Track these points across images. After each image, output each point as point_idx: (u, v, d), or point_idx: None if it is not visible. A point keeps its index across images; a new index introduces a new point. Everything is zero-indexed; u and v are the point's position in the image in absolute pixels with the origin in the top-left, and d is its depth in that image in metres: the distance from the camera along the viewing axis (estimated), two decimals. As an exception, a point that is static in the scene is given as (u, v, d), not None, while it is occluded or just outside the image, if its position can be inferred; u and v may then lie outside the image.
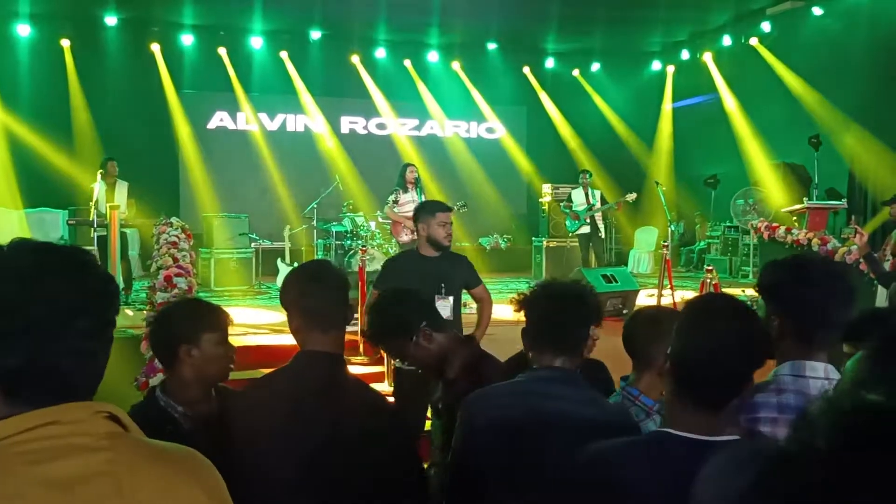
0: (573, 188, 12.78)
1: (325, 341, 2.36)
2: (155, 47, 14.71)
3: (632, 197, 12.26)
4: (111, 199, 9.89)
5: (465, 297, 5.11)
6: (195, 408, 2.58)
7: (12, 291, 1.25)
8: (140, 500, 1.24)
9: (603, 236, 12.69)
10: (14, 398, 1.24)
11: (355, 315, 7.32)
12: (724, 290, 10.51)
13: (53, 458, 1.21)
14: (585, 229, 12.25)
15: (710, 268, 8.00)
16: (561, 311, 2.46)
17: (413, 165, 10.64)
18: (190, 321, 2.65)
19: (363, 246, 8.95)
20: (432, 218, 4.79)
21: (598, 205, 12.27)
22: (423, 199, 10.99)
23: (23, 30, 13.87)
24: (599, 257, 12.46)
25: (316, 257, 12.50)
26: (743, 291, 10.92)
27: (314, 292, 2.39)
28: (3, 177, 13.00)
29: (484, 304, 4.94)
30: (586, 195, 12.34)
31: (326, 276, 2.46)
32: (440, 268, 4.76)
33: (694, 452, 1.63)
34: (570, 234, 12.76)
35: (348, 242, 11.91)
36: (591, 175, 12.75)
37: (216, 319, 2.69)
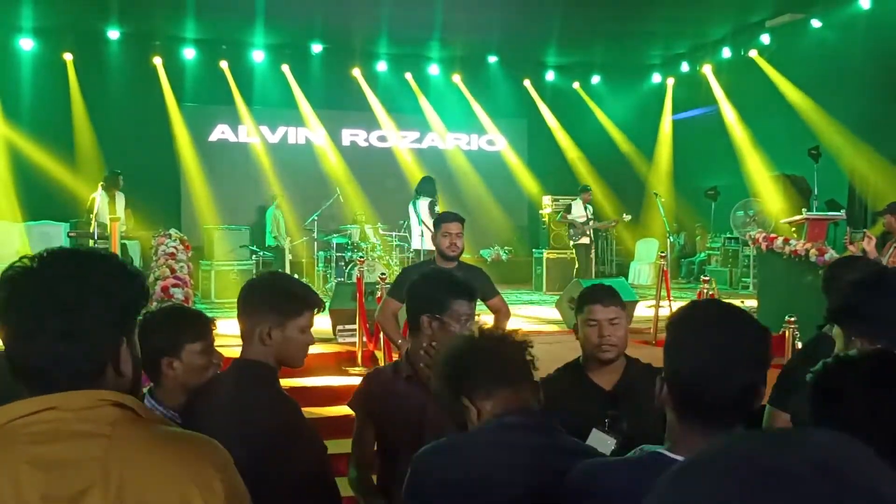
0: (572, 200, 13.10)
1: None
2: (157, 61, 14.79)
3: (627, 218, 13.13)
4: (113, 212, 9.95)
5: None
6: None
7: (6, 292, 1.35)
8: (124, 487, 1.28)
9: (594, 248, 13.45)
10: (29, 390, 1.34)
11: (352, 326, 7.33)
12: (724, 301, 10.53)
13: (50, 441, 1.29)
14: (585, 240, 12.58)
15: (707, 278, 8.00)
16: None
17: None
18: (170, 332, 2.58)
19: (362, 257, 8.96)
20: (438, 229, 4.87)
21: (594, 221, 12.87)
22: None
23: (26, 44, 13.96)
24: (588, 269, 12.93)
25: (317, 269, 12.54)
26: (742, 302, 10.94)
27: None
28: (4, 190, 13.04)
29: (500, 315, 4.95)
30: (585, 208, 12.76)
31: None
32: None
33: None
34: (572, 245, 12.90)
35: (349, 254, 11.94)
36: (590, 191, 13.34)
37: (199, 328, 2.64)
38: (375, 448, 2.98)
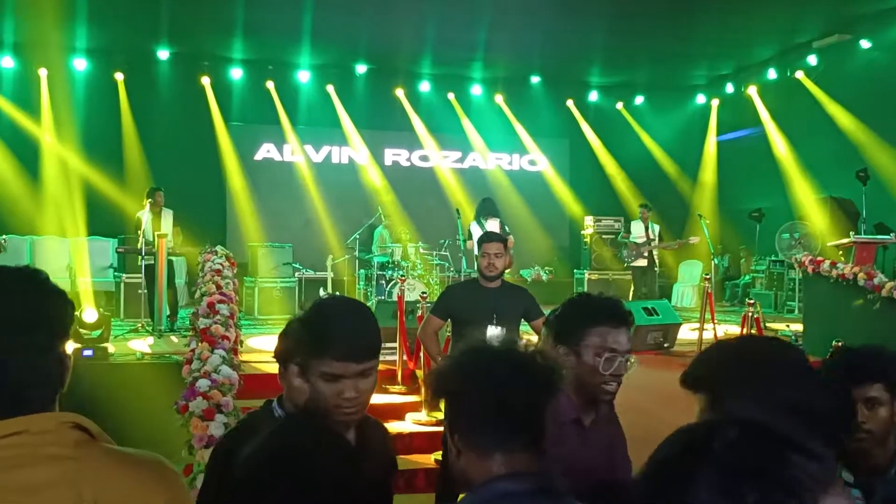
0: (632, 221, 12.78)
1: None
2: (205, 80, 15.10)
3: (695, 240, 12.30)
4: (158, 228, 10.12)
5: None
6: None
7: None
8: None
9: (657, 270, 12.60)
10: None
11: (392, 345, 7.36)
12: (769, 324, 10.37)
13: (21, 466, 1.28)
14: (642, 262, 12.23)
15: (752, 301, 7.90)
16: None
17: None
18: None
19: (402, 276, 9.01)
20: (479, 248, 4.92)
21: (657, 241, 12.26)
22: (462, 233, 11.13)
23: (79, 64, 14.35)
24: (651, 292, 12.37)
25: (358, 287, 12.62)
26: (787, 326, 10.77)
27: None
28: (54, 206, 13.34)
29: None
30: (646, 228, 12.34)
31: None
32: (495, 298, 4.81)
33: None
34: (625, 266, 12.73)
35: (389, 272, 12.00)
36: (650, 208, 12.75)
37: None
38: None
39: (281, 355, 2.52)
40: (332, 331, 1.99)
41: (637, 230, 12.44)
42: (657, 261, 12.40)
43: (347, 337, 1.97)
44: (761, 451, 1.03)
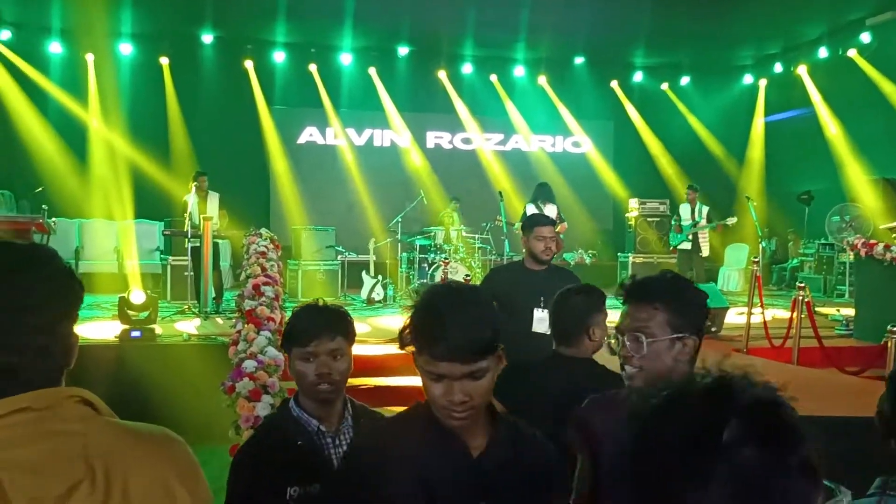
0: (680, 203, 12.62)
1: None
2: (248, 64, 15.18)
3: (732, 221, 12.10)
4: (203, 211, 10.22)
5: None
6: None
7: None
8: (111, 481, 1.28)
9: (704, 255, 12.34)
10: None
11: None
12: (819, 309, 10.17)
13: (28, 443, 1.26)
14: (686, 245, 12.06)
15: (803, 285, 7.74)
16: None
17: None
18: None
19: (446, 259, 8.98)
20: (531, 232, 4.81)
21: (704, 222, 12.05)
22: (507, 217, 11.08)
23: (125, 48, 14.51)
24: (698, 276, 12.17)
25: (400, 270, 12.64)
26: (838, 311, 10.56)
27: None
28: (101, 189, 13.54)
29: None
30: (692, 211, 12.14)
31: None
32: (542, 281, 4.73)
33: None
34: (671, 249, 12.58)
35: (432, 255, 11.99)
36: (697, 190, 12.48)
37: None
38: None
39: (284, 342, 2.62)
40: (433, 326, 1.77)
41: (684, 213, 12.25)
42: (702, 245, 12.16)
43: (450, 334, 1.74)
44: None
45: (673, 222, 12.52)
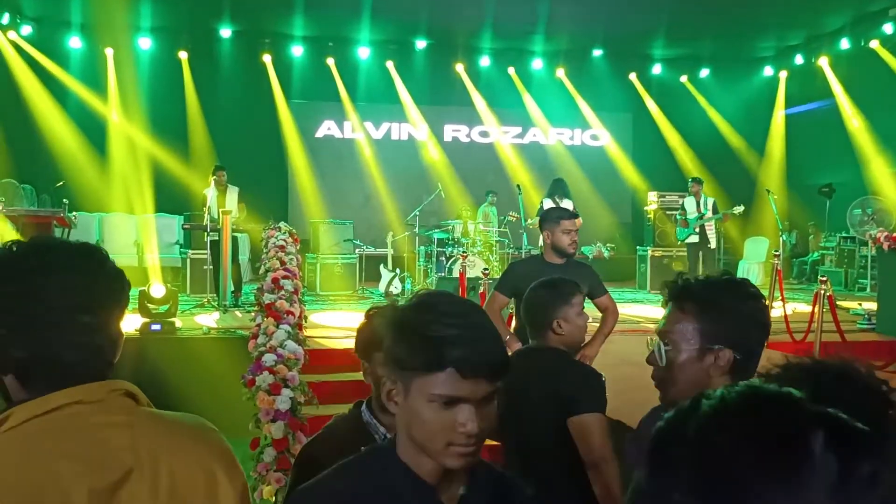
0: (684, 197, 12.41)
1: None
2: (266, 58, 15.21)
3: (739, 210, 11.84)
4: (223, 205, 10.26)
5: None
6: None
7: (14, 290, 1.36)
8: (158, 470, 1.35)
9: (713, 247, 12.15)
10: (28, 385, 1.37)
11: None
12: (840, 302, 10.08)
13: (80, 434, 1.33)
14: (694, 239, 11.88)
15: (825, 278, 7.67)
16: None
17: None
18: None
19: (464, 252, 8.96)
20: (556, 225, 4.77)
21: (710, 213, 11.88)
22: (525, 211, 11.04)
23: (144, 43, 14.59)
24: (709, 270, 12.00)
25: (418, 264, 12.64)
26: (859, 305, 10.46)
27: None
28: (121, 183, 13.62)
29: (608, 313, 4.86)
30: (697, 203, 11.98)
31: None
32: (562, 274, 4.71)
33: None
34: (680, 243, 12.48)
35: (450, 249, 11.98)
36: (701, 182, 12.33)
37: None
38: None
39: (363, 348, 2.36)
40: (457, 336, 1.41)
41: (689, 206, 12.05)
42: (710, 237, 11.95)
43: (483, 345, 1.42)
44: None
45: (678, 217, 12.32)
